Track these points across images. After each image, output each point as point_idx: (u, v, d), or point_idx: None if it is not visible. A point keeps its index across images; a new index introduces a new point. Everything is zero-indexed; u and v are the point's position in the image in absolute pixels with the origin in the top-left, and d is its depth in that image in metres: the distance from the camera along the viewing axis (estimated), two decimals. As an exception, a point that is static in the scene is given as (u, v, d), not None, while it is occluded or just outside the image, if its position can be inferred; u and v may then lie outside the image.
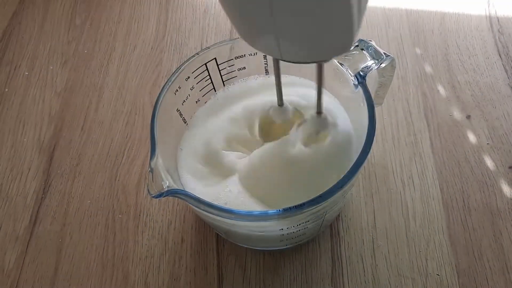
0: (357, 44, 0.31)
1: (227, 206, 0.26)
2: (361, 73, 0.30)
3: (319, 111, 0.30)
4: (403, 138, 0.41)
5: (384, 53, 0.30)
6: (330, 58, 0.23)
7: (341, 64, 0.31)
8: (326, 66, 0.33)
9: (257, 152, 0.32)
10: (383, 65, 0.30)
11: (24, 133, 0.44)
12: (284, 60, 0.23)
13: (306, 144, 0.30)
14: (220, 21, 0.51)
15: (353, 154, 0.31)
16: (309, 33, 0.21)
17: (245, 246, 0.36)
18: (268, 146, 0.31)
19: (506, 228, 0.36)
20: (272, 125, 0.33)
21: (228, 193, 0.31)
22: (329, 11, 0.19)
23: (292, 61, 0.23)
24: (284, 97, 0.32)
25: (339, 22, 0.20)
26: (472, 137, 0.41)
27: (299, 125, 0.31)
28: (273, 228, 0.29)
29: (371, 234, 0.37)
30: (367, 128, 0.27)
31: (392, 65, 0.31)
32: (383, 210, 0.38)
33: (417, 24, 0.50)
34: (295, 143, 0.30)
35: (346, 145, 0.31)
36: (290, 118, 0.32)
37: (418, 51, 0.47)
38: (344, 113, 0.34)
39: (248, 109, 0.35)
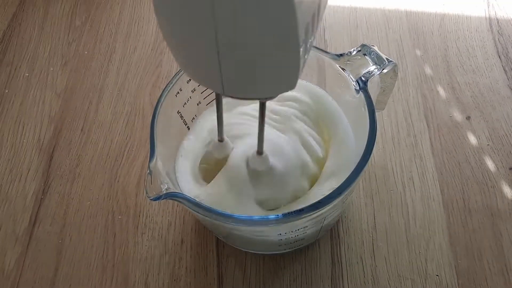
0: (359, 49, 0.31)
1: (225, 211, 0.26)
2: (363, 78, 0.29)
3: (259, 151, 0.28)
4: (403, 139, 0.42)
5: (387, 59, 0.30)
6: (274, 96, 0.22)
7: (343, 69, 0.31)
8: (328, 70, 0.33)
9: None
10: (385, 70, 0.30)
11: (24, 134, 0.44)
12: (226, 95, 0.22)
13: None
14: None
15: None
16: (254, 62, 0.19)
17: (245, 250, 0.36)
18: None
19: (506, 229, 0.36)
20: (214, 160, 0.32)
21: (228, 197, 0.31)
22: (277, 46, 0.18)
23: (235, 97, 0.22)
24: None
25: (287, 58, 0.19)
26: (472, 138, 0.41)
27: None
28: (271, 233, 0.29)
29: (371, 235, 0.37)
30: (368, 133, 0.27)
31: (394, 70, 0.31)
32: (383, 211, 0.38)
33: (416, 26, 0.50)
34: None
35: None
36: (228, 154, 0.31)
37: (417, 52, 0.47)
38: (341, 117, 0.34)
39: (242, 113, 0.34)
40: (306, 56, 0.21)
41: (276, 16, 0.17)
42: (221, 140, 0.30)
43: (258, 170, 0.29)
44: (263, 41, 0.18)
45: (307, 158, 0.31)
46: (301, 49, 0.19)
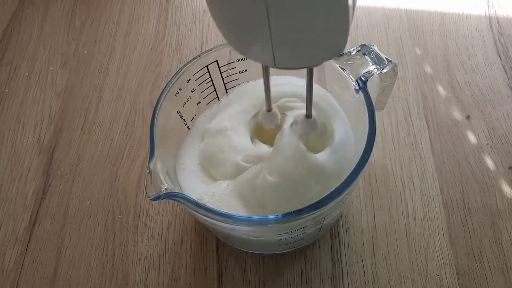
0: (359, 49, 0.31)
1: (225, 211, 0.26)
2: (363, 78, 0.29)
3: (308, 115, 0.29)
4: (402, 138, 0.41)
5: (386, 58, 0.30)
6: (324, 61, 0.23)
7: (342, 68, 0.30)
8: (328, 70, 0.33)
9: (253, 171, 0.31)
10: (384, 70, 0.30)
11: (24, 134, 0.44)
12: (277, 67, 0.23)
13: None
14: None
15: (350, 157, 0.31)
16: (305, 36, 0.20)
17: (244, 250, 0.36)
18: (260, 164, 0.31)
19: (506, 229, 0.36)
20: (262, 130, 0.33)
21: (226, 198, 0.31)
22: (325, 11, 0.19)
23: (285, 68, 0.23)
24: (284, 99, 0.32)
25: (335, 22, 0.20)
26: (472, 138, 0.41)
27: (291, 125, 0.31)
28: (271, 233, 0.29)
29: (371, 235, 0.37)
30: (367, 133, 0.27)
31: (394, 70, 0.31)
32: (383, 211, 0.38)
33: (417, 25, 0.50)
34: (290, 148, 0.30)
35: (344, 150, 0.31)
36: (279, 123, 0.32)
37: (417, 51, 0.47)
38: (342, 115, 0.34)
39: (245, 112, 0.35)
40: (352, 18, 0.21)
41: None
42: (269, 110, 0.31)
43: (309, 132, 0.30)
44: (315, 8, 0.19)
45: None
46: (350, 9, 0.19)
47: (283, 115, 0.32)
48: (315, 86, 0.35)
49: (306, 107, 0.29)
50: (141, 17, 0.53)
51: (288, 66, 0.23)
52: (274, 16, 0.19)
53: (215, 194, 0.31)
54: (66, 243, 0.38)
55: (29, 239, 0.38)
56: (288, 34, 0.20)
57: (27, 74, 0.49)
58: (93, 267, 0.37)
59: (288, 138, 0.30)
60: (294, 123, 0.31)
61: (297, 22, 0.19)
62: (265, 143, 0.33)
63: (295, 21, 0.19)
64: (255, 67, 0.36)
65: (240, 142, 0.33)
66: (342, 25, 0.20)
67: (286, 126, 0.31)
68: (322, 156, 0.30)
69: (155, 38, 0.50)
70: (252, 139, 0.34)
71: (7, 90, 0.48)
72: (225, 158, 0.32)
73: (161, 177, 0.26)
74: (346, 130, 0.33)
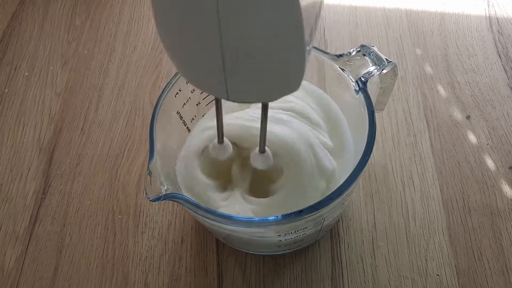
0: (359, 49, 0.30)
1: (225, 212, 0.26)
2: (362, 79, 0.29)
3: (262, 150, 0.28)
4: (402, 138, 0.42)
5: (386, 59, 0.30)
6: (278, 98, 0.22)
7: (342, 69, 0.30)
8: (328, 71, 0.33)
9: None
10: (384, 71, 0.30)
11: (24, 134, 0.44)
12: (230, 100, 0.22)
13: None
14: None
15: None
16: (260, 67, 0.19)
17: (244, 251, 0.36)
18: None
19: (506, 229, 0.36)
20: (211, 162, 0.31)
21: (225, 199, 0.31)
22: (283, 49, 0.18)
23: (238, 101, 0.22)
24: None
25: (292, 60, 0.19)
26: (472, 138, 0.41)
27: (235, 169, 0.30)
28: (271, 234, 0.29)
29: (371, 235, 0.37)
30: (367, 134, 0.27)
31: (394, 71, 0.31)
32: (383, 211, 0.38)
33: (416, 25, 0.50)
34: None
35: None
36: (228, 157, 0.30)
37: (417, 51, 0.47)
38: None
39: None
40: (308, 58, 0.21)
41: (283, 20, 0.17)
42: (221, 142, 0.29)
43: (260, 169, 0.29)
44: (269, 44, 0.18)
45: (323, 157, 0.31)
46: (306, 51, 0.19)
47: (236, 149, 0.31)
48: (315, 88, 0.35)
49: (259, 143, 0.28)
50: (141, 17, 0.53)
51: (241, 100, 0.22)
52: (227, 44, 0.18)
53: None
54: (66, 243, 0.38)
55: (29, 239, 0.38)
56: (243, 65, 0.19)
57: (27, 74, 0.49)
58: (93, 267, 0.37)
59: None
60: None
61: (252, 52, 0.19)
62: (220, 177, 0.32)
63: (250, 50, 0.19)
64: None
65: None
66: (299, 61, 0.19)
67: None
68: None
69: (155, 38, 0.50)
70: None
71: (7, 90, 0.48)
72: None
73: (161, 178, 0.26)
74: (345, 131, 0.33)
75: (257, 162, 0.29)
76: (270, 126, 0.28)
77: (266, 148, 0.28)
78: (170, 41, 0.20)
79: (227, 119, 0.31)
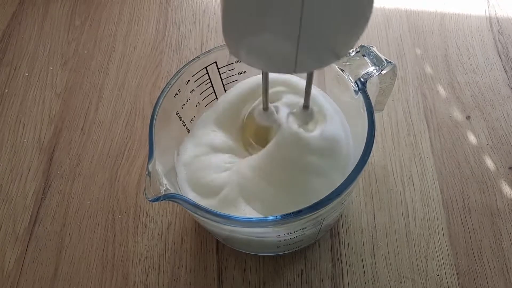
0: (358, 50, 0.30)
1: (224, 212, 0.26)
2: (362, 80, 0.29)
3: (306, 105, 0.30)
4: (402, 138, 0.42)
5: (386, 60, 0.30)
6: (345, 54, 0.23)
7: (342, 70, 0.30)
8: (327, 71, 0.33)
9: (250, 161, 0.31)
10: (384, 71, 0.30)
11: (24, 134, 0.44)
12: (295, 73, 0.23)
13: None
14: (220, 22, 0.51)
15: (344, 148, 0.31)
16: (334, 28, 0.20)
17: (244, 252, 0.36)
18: (259, 154, 0.31)
19: (506, 229, 0.36)
20: (256, 128, 0.32)
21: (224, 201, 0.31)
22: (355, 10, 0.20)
23: (302, 72, 0.23)
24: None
25: (363, 7, 0.20)
26: (472, 138, 0.41)
27: (287, 116, 0.31)
28: (270, 234, 0.29)
29: (371, 235, 0.37)
30: (367, 134, 0.27)
31: (393, 71, 0.31)
32: (383, 211, 0.38)
33: (417, 25, 0.50)
34: (290, 131, 0.30)
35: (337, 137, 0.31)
36: (274, 123, 0.31)
37: (418, 51, 0.47)
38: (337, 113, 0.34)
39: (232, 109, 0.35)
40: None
41: None
42: (265, 108, 0.30)
43: (308, 123, 0.30)
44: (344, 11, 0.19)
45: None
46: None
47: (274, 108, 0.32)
48: (315, 88, 0.35)
49: (304, 99, 0.29)
50: (141, 17, 0.53)
51: (306, 71, 0.23)
52: (307, 13, 0.19)
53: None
54: (66, 243, 0.38)
55: (29, 239, 0.38)
56: (318, 34, 0.20)
57: (27, 74, 0.49)
58: (93, 267, 0.37)
59: (289, 129, 0.30)
60: (290, 114, 0.31)
61: (329, 18, 0.20)
62: (257, 143, 0.33)
63: (327, 13, 0.19)
64: (254, 68, 0.36)
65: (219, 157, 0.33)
66: (367, 16, 0.20)
67: (283, 119, 0.31)
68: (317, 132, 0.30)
69: (155, 38, 0.51)
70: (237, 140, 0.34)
71: (7, 90, 0.48)
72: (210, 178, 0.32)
73: (160, 178, 0.26)
74: (345, 132, 0.33)
75: (302, 118, 0.30)
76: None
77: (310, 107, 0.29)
78: (245, 28, 0.21)
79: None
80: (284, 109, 0.31)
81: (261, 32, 0.21)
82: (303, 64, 0.22)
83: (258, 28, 0.21)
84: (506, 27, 0.49)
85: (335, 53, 0.22)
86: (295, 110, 0.31)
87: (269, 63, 0.23)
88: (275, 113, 0.31)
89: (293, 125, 0.30)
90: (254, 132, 0.33)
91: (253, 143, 0.33)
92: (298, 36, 0.20)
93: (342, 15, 0.20)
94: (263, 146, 0.31)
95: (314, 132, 0.30)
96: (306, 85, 0.27)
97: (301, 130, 0.29)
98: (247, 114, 0.33)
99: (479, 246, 0.36)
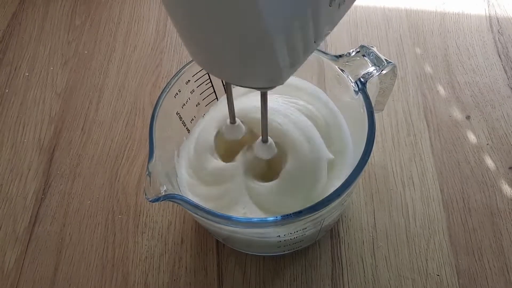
0: (358, 50, 0.30)
1: (224, 213, 0.26)
2: (362, 80, 0.29)
3: (264, 140, 0.29)
4: (402, 138, 0.41)
5: (386, 60, 0.30)
6: (268, 88, 0.22)
7: (342, 70, 0.30)
8: (327, 71, 0.33)
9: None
10: (384, 71, 0.30)
11: (24, 134, 0.44)
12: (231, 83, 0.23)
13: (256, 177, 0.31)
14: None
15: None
16: (247, 60, 0.20)
17: (244, 252, 0.36)
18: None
19: (506, 229, 0.36)
20: (226, 144, 0.32)
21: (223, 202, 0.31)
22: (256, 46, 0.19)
23: (236, 85, 0.23)
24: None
25: (261, 53, 0.19)
26: (472, 138, 0.41)
27: (245, 152, 0.31)
28: (270, 234, 0.29)
29: (371, 235, 0.37)
30: (367, 135, 0.27)
31: (393, 71, 0.31)
32: (383, 211, 0.38)
33: (417, 25, 0.50)
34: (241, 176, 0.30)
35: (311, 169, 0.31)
36: (241, 137, 0.31)
37: (417, 51, 0.47)
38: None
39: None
40: (302, 56, 0.21)
41: (247, 20, 0.17)
42: (233, 122, 0.30)
43: (263, 159, 0.30)
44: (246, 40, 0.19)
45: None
46: (282, 50, 0.19)
47: (250, 132, 0.32)
48: (315, 88, 0.35)
49: (262, 132, 0.28)
50: (141, 17, 0.53)
51: (239, 84, 0.22)
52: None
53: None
54: (66, 243, 0.38)
55: (29, 239, 0.38)
56: (235, 50, 0.20)
57: (27, 74, 0.49)
58: (93, 267, 0.37)
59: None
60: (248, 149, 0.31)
61: (237, 39, 0.19)
62: (225, 158, 0.33)
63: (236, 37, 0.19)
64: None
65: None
66: (268, 57, 0.19)
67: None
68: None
69: (155, 38, 0.51)
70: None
71: (7, 90, 0.48)
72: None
73: (161, 178, 0.26)
74: (345, 133, 0.33)
75: (261, 151, 0.30)
76: (271, 117, 0.29)
77: (269, 138, 0.29)
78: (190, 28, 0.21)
79: (238, 103, 0.32)
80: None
81: (199, 40, 0.20)
82: (233, 77, 0.22)
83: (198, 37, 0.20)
84: (506, 27, 0.49)
85: (249, 77, 0.22)
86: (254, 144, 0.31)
87: (217, 70, 0.23)
88: (242, 126, 0.31)
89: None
90: (224, 149, 0.33)
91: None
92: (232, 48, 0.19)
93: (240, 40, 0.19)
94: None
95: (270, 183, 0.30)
96: (261, 115, 0.27)
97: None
98: (215, 133, 0.33)
99: (479, 246, 0.36)
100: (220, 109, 0.35)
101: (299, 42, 0.20)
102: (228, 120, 0.30)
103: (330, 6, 0.20)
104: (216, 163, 0.32)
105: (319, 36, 0.21)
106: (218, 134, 0.33)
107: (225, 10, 0.17)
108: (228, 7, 0.17)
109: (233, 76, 0.22)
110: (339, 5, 0.21)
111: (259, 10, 0.16)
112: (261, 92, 0.25)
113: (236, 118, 0.30)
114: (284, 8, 0.17)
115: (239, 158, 0.31)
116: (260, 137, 0.29)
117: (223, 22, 0.18)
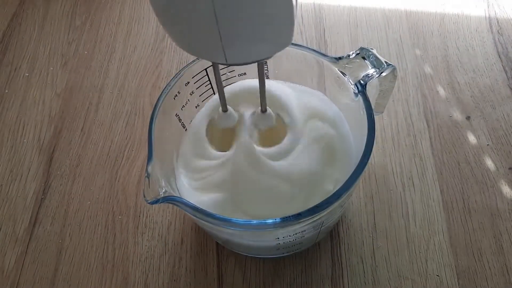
0: (358, 52, 0.30)
1: (223, 215, 0.26)
2: (362, 82, 0.29)
3: (263, 110, 0.30)
4: (403, 139, 0.42)
5: (385, 62, 0.30)
6: (273, 54, 0.23)
7: (341, 72, 0.30)
8: (327, 73, 0.33)
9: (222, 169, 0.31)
10: (384, 73, 0.30)
11: (24, 134, 0.44)
12: (228, 64, 0.23)
13: (263, 144, 0.31)
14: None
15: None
16: (253, 30, 0.21)
17: (244, 254, 0.36)
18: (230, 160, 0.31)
19: (506, 229, 0.36)
20: (219, 131, 0.32)
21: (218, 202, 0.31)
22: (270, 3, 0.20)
23: (236, 64, 0.23)
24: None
25: (281, 13, 0.20)
26: (472, 138, 0.41)
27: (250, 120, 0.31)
28: (269, 237, 0.29)
29: (371, 235, 0.37)
30: (366, 137, 0.27)
31: (393, 73, 0.31)
32: (383, 211, 0.38)
33: (416, 25, 0.50)
34: (250, 148, 0.30)
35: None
36: (235, 124, 0.31)
37: (417, 52, 0.47)
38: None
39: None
40: (296, 12, 0.22)
41: None
42: (225, 110, 0.30)
43: (262, 128, 0.30)
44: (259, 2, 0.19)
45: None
46: (294, 5, 0.20)
47: (239, 114, 0.32)
48: (315, 91, 0.35)
49: (260, 102, 0.29)
50: (141, 18, 0.53)
51: (240, 61, 0.23)
52: (221, 11, 0.20)
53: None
54: (66, 243, 0.38)
55: (29, 240, 0.38)
56: (236, 29, 0.21)
57: (27, 74, 0.49)
58: (93, 267, 0.37)
59: (243, 143, 0.30)
60: (251, 117, 0.31)
61: (244, 15, 0.20)
62: (220, 148, 0.33)
63: (242, 14, 0.20)
64: (254, 70, 0.35)
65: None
66: (287, 16, 0.21)
67: (244, 127, 0.31)
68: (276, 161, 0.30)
69: (155, 39, 0.51)
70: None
71: (7, 91, 0.48)
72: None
73: (160, 180, 0.26)
74: (346, 134, 0.33)
75: (260, 122, 0.30)
76: (268, 87, 0.30)
77: (268, 108, 0.29)
78: (166, 14, 0.21)
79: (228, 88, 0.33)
80: (247, 111, 0.32)
81: (179, 22, 0.21)
82: (232, 56, 0.22)
83: (175, 18, 0.21)
84: (506, 27, 0.49)
85: (261, 50, 0.23)
86: (253, 115, 0.31)
87: (201, 52, 0.23)
88: (235, 114, 0.31)
89: (247, 141, 0.30)
90: (218, 138, 0.33)
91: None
92: (217, 26, 0.20)
93: (253, 6, 0.20)
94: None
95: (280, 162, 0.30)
96: (259, 85, 0.27)
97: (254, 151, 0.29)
98: (208, 122, 0.33)
99: (479, 247, 0.36)
100: (213, 99, 0.35)
101: None
102: (220, 109, 0.30)
103: None
104: (211, 153, 0.32)
105: None
106: (211, 124, 0.33)
107: None
108: None
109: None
110: None
111: None
112: (258, 63, 0.25)
113: (227, 106, 0.30)
114: None
115: (235, 147, 0.31)
116: (259, 108, 0.30)
117: None
